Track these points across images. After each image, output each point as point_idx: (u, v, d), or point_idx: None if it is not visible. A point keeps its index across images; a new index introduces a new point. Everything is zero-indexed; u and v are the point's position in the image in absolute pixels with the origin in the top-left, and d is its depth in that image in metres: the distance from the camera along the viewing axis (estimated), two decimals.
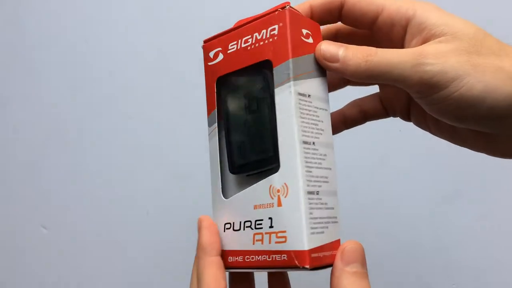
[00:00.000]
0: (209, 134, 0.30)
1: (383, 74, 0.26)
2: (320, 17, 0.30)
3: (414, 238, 0.58)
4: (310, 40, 0.28)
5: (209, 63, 0.30)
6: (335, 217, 0.28)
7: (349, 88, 0.36)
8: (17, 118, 0.59)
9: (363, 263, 0.26)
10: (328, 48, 0.27)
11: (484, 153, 0.30)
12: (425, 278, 0.58)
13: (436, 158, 0.58)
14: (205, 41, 0.31)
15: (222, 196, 0.29)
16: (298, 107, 0.26)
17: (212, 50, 0.30)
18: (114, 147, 0.59)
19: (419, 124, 0.33)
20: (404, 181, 0.58)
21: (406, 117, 0.34)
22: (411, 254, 0.58)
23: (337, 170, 0.28)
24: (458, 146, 0.31)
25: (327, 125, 0.28)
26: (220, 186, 0.29)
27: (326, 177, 0.27)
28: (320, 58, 0.28)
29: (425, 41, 0.26)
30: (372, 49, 0.26)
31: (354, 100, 0.36)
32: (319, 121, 0.27)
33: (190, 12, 0.59)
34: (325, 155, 0.27)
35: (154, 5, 0.59)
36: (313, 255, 0.25)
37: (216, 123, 0.30)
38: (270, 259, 0.26)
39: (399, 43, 0.28)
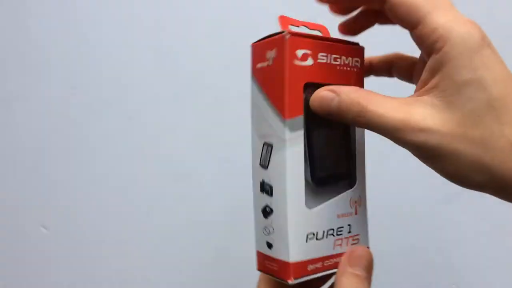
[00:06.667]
0: (288, 140, 0.28)
1: (376, 131, 0.27)
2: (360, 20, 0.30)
3: (414, 238, 0.58)
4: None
5: (297, 63, 0.28)
6: None
7: None
8: (17, 118, 0.59)
9: (368, 269, 0.28)
10: (321, 105, 0.28)
11: None
12: (425, 278, 0.58)
13: None
14: (292, 34, 0.28)
15: (305, 207, 0.29)
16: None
17: (301, 49, 0.28)
18: (114, 147, 0.59)
19: None
20: (404, 181, 0.58)
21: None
22: (411, 254, 0.58)
23: None
24: None
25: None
26: (304, 198, 0.29)
27: None
28: (319, 112, 0.28)
29: (432, 87, 0.26)
30: (363, 104, 0.26)
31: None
32: None
33: (190, 12, 0.59)
34: None
35: (154, 5, 0.59)
36: None
37: (303, 131, 0.28)
38: None
39: (427, 56, 0.27)
